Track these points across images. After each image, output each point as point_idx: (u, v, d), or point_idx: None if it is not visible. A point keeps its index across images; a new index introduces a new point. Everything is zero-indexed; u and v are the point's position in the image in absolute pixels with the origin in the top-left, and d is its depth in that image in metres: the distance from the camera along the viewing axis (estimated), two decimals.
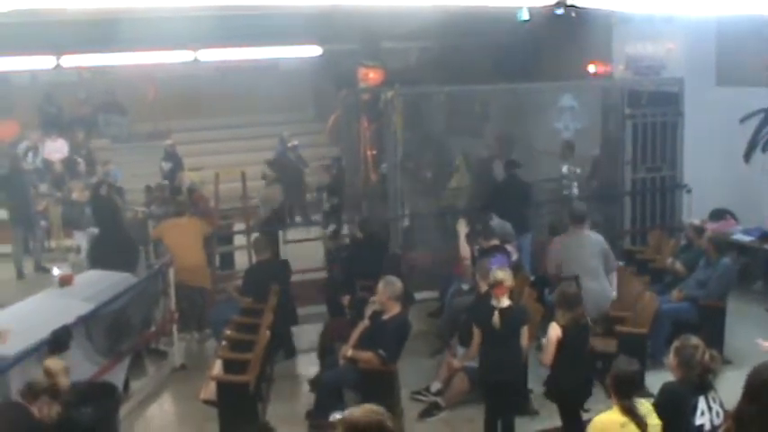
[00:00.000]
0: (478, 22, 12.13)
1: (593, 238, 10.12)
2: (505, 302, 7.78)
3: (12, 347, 7.70)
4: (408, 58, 18.26)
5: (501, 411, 7.88)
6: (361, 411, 3.99)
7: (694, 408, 5.56)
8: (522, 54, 14.32)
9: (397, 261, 11.48)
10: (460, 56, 14.69)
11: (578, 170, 13.92)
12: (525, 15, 9.73)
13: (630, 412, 5.46)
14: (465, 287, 10.44)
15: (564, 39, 14.17)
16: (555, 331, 7.37)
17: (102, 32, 13.18)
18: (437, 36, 13.95)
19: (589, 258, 9.85)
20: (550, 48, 15.17)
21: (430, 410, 8.98)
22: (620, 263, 11.00)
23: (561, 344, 7.32)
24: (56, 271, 12.65)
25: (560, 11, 9.46)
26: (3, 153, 19.51)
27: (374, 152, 15.19)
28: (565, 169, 13.95)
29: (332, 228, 14.29)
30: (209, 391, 8.27)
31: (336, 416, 4.77)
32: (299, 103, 22.51)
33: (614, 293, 9.91)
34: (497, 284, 7.80)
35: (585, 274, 9.65)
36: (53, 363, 7.00)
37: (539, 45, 15.07)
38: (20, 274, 15.05)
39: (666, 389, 5.78)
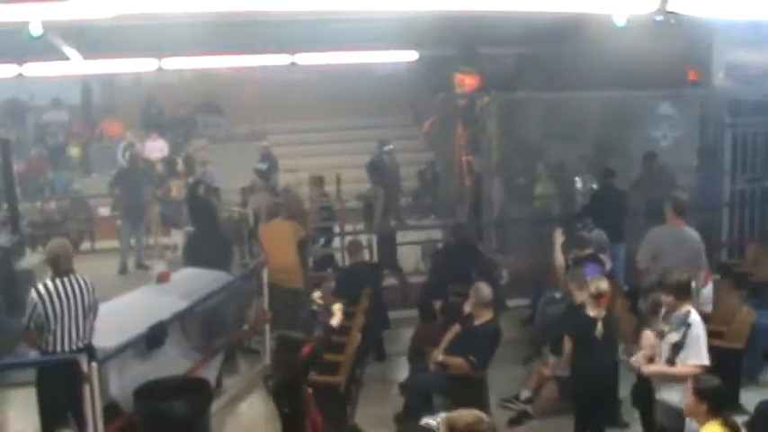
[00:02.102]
0: (575, 28, 11.98)
1: (691, 234, 9.64)
2: (602, 312, 7.69)
3: (110, 340, 7.91)
4: (505, 64, 18.18)
5: (591, 422, 7.79)
6: (466, 414, 3.96)
7: None
8: (619, 61, 14.10)
9: (489, 267, 11.43)
10: (557, 62, 14.55)
11: (594, 185, 13.64)
12: (623, 22, 9.61)
13: (734, 427, 5.29)
14: (557, 295, 10.35)
15: (662, 46, 13.92)
16: (649, 340, 7.24)
17: (202, 36, 13.40)
18: (534, 42, 13.84)
19: (685, 254, 9.50)
20: (648, 55, 14.92)
21: (519, 419, 8.92)
22: (716, 276, 10.73)
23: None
24: (154, 268, 12.96)
25: (659, 17, 9.30)
26: (103, 149, 20.17)
27: (469, 158, 15.17)
28: (579, 183, 13.66)
29: None
30: None
31: (428, 420, 4.76)
32: (395, 107, 22.55)
33: (709, 307, 9.61)
34: (601, 295, 7.71)
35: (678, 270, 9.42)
36: None
37: (636, 52, 14.84)
38: (123, 270, 15.45)
39: (763, 408, 5.63)
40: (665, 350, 6.83)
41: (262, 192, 13.74)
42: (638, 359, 7.26)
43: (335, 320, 7.12)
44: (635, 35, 10.57)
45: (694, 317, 6.83)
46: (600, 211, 11.94)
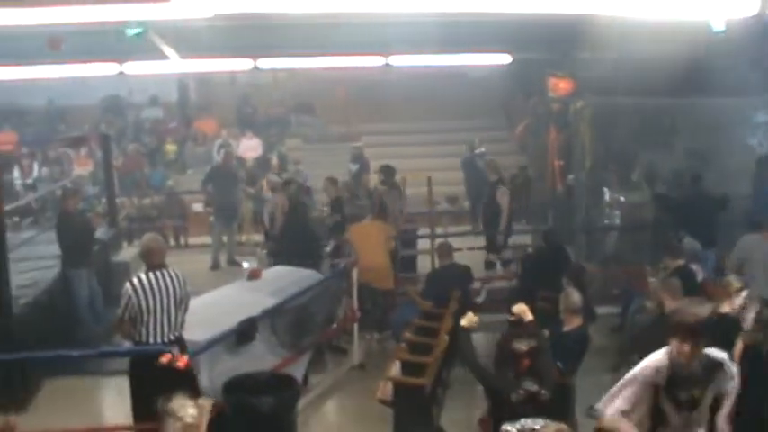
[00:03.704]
0: (672, 33, 11.79)
1: None
2: None
3: (201, 334, 8.05)
4: (599, 68, 17.97)
5: None
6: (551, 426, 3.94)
7: None
8: (716, 67, 13.84)
9: (580, 273, 11.30)
10: (652, 68, 14.32)
11: (622, 198, 13.31)
12: (721, 27, 9.42)
13: None
14: (648, 304, 10.18)
15: (761, 51, 13.59)
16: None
17: (297, 36, 13.56)
18: (629, 47, 13.65)
19: None
20: (746, 61, 14.59)
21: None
22: None
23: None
24: (245, 264, 13.15)
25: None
26: (199, 146, 20.51)
27: (561, 162, 15.03)
28: (607, 196, 13.35)
29: None
30: (386, 391, 8.36)
31: (507, 427, 4.73)
32: (487, 110, 22.47)
33: None
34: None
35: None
36: None
37: (734, 58, 14.53)
38: (214, 265, 15.69)
39: None
40: None
41: (280, 193, 13.77)
42: None
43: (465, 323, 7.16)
44: (733, 40, 10.39)
45: None
46: (690, 218, 11.74)
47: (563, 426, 3.97)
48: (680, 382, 5.55)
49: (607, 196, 13.94)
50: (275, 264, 12.00)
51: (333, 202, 14.22)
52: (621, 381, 5.96)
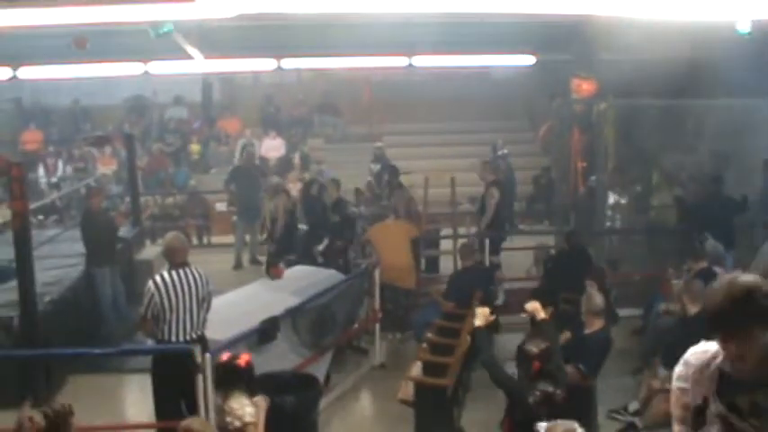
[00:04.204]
0: (696, 35, 11.73)
1: None
2: None
3: (223, 333, 8.09)
4: (623, 70, 17.90)
5: None
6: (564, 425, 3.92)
7: None
8: (741, 68, 13.75)
9: (601, 275, 11.28)
10: (676, 69, 14.26)
11: (624, 200, 13.23)
12: (746, 28, 9.37)
13: None
14: (670, 307, 10.14)
15: None
16: None
17: (320, 36, 13.60)
18: (653, 49, 13.59)
19: None
20: None
21: (626, 430, 8.78)
22: None
23: None
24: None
25: None
26: (222, 146, 20.57)
27: (584, 164, 14.98)
28: (611, 199, 13.27)
29: None
30: (407, 391, 8.37)
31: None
32: (510, 111, 22.45)
33: None
34: None
35: None
36: None
37: (760, 59, 14.43)
38: (237, 265, 15.75)
39: None
40: None
41: (280, 195, 13.80)
42: None
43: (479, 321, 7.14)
44: (758, 42, 10.32)
45: None
46: (711, 220, 11.68)
47: (571, 424, 3.96)
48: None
49: (611, 199, 13.89)
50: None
51: (333, 203, 14.22)
52: None
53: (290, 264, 12.21)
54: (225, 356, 6.31)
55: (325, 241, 13.59)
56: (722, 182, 12.61)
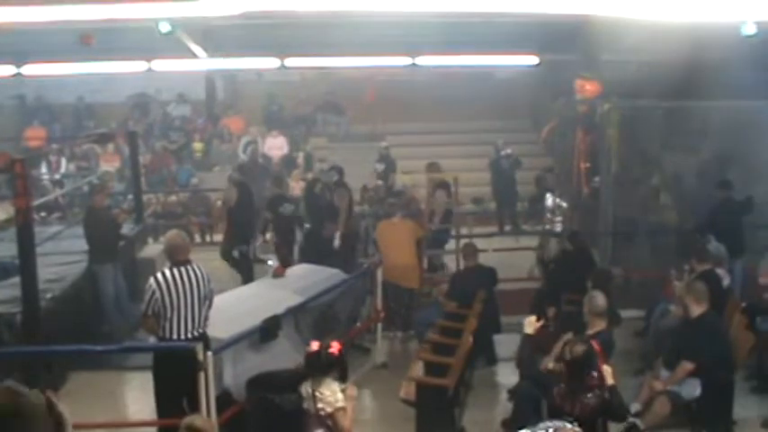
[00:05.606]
0: (700, 36, 11.73)
1: None
2: None
3: (225, 331, 8.09)
4: (627, 71, 17.92)
5: None
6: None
7: None
8: (745, 70, 13.74)
9: (604, 276, 11.26)
10: (680, 71, 14.26)
11: (564, 204, 13.21)
12: (751, 30, 9.36)
13: None
14: (672, 308, 10.13)
15: None
16: None
17: (324, 36, 13.61)
18: (657, 50, 13.60)
19: None
20: None
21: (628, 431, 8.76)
22: None
23: None
24: (270, 262, 13.18)
25: None
26: (225, 144, 20.55)
27: (588, 165, 14.97)
28: (549, 201, 13.24)
29: None
30: (409, 391, 8.36)
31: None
32: (514, 111, 22.41)
33: None
34: None
35: None
36: None
37: (764, 61, 14.43)
38: None
39: None
40: None
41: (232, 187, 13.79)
42: None
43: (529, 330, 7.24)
44: (762, 43, 10.31)
45: None
46: (719, 224, 11.64)
47: (569, 427, 3.95)
48: None
49: (549, 201, 13.91)
50: None
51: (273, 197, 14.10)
52: None
53: (241, 252, 12.31)
54: (316, 345, 6.45)
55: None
56: (731, 187, 12.49)
